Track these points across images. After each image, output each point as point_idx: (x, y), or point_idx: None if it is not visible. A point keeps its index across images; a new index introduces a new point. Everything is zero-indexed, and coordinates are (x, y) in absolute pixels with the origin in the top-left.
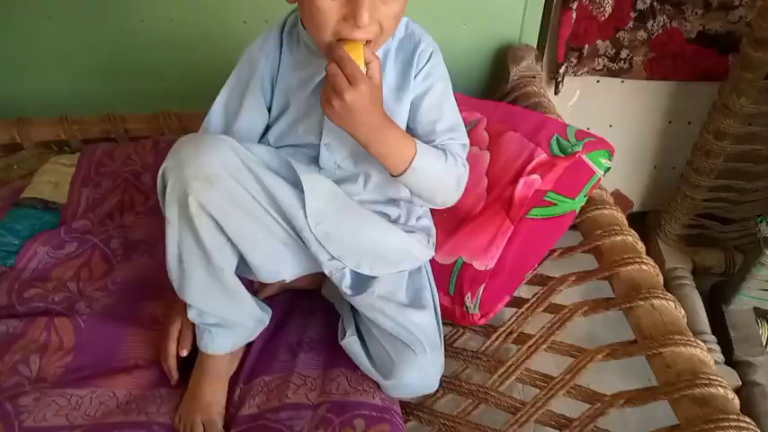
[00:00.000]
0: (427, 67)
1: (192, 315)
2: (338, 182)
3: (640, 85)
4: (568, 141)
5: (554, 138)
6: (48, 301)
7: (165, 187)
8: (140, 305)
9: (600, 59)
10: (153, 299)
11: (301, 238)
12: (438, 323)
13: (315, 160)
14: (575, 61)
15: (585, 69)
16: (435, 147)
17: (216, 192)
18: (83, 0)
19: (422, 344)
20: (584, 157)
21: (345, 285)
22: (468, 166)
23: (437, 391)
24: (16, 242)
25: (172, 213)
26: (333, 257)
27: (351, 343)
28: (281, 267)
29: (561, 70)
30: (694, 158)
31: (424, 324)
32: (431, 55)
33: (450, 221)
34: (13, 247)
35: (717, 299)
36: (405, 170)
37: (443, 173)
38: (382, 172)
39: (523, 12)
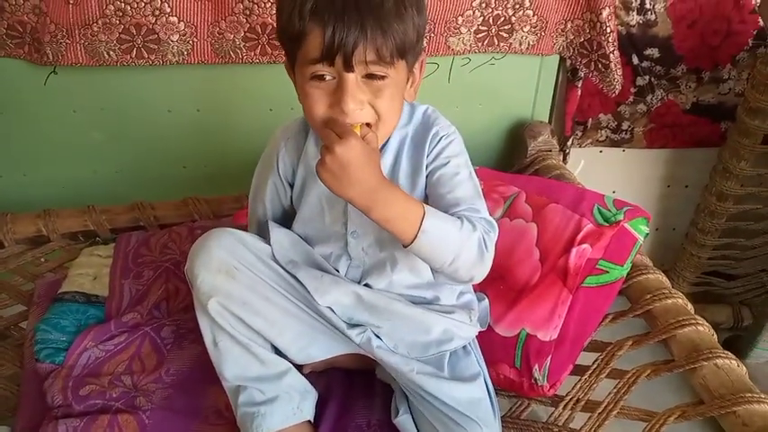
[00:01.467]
0: (439, 147)
1: (240, 402)
2: (368, 270)
3: (640, 153)
4: (609, 211)
5: (595, 207)
6: (106, 398)
7: (192, 284)
8: (199, 397)
9: (603, 131)
10: (210, 389)
11: (328, 321)
12: (491, 398)
13: (345, 251)
14: (580, 134)
15: (590, 141)
16: None
17: (237, 284)
18: (109, 92)
19: (474, 422)
20: (626, 225)
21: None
22: (494, 236)
23: None
24: (63, 338)
25: (199, 309)
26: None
27: (404, 422)
28: (313, 349)
29: (569, 143)
30: (698, 219)
31: (474, 400)
32: (443, 137)
33: (507, 293)
34: (61, 343)
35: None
36: (416, 235)
37: (460, 238)
38: (404, 256)
39: (535, 91)
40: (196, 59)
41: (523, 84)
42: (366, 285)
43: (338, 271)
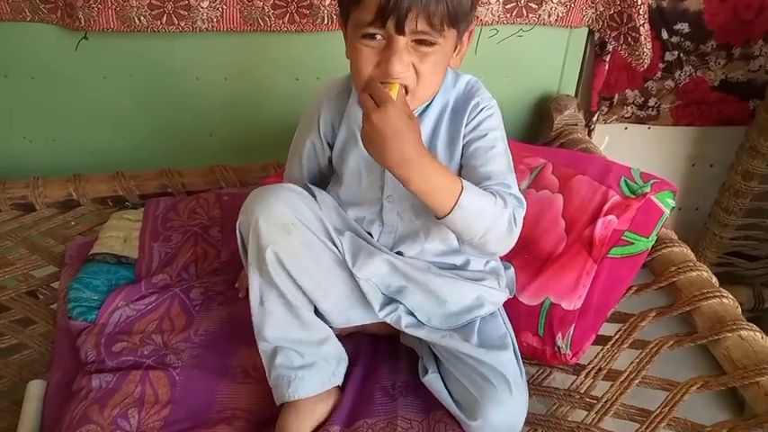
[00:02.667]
0: (478, 118)
1: (276, 364)
2: (401, 237)
3: (666, 131)
4: (636, 183)
5: (622, 180)
6: (137, 355)
7: (242, 240)
8: (227, 357)
9: (629, 107)
10: (238, 350)
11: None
12: (519, 363)
13: (379, 216)
14: (605, 109)
15: (615, 117)
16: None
17: (293, 240)
18: (139, 58)
19: (507, 381)
20: (652, 197)
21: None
22: (522, 212)
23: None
24: (95, 297)
25: (251, 264)
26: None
27: (433, 381)
28: (352, 314)
29: (594, 118)
30: (723, 198)
31: (506, 362)
32: (483, 108)
33: (532, 263)
34: (93, 302)
35: None
36: (452, 209)
37: (494, 214)
38: (439, 224)
39: (563, 65)
40: (225, 27)
41: (551, 56)
42: (398, 253)
43: (371, 235)
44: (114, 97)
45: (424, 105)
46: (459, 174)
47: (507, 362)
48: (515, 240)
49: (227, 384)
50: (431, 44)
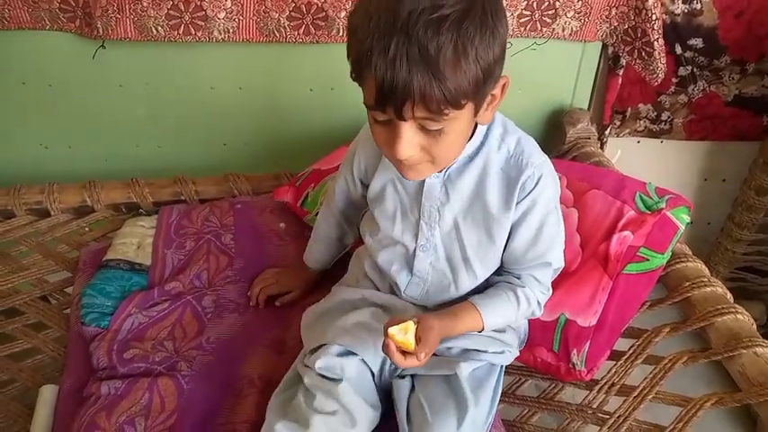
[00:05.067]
0: (531, 195)
1: None
2: (429, 289)
3: (679, 145)
4: (651, 198)
5: (637, 195)
6: (148, 362)
7: None
8: (236, 365)
9: (641, 121)
10: (247, 358)
11: None
12: (488, 415)
13: (409, 265)
14: (618, 123)
15: (628, 131)
16: (520, 271)
17: None
18: (155, 67)
19: (463, 420)
20: (668, 213)
21: None
22: (548, 294)
23: None
24: (108, 303)
25: None
26: None
27: (401, 386)
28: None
29: (607, 132)
30: (735, 213)
31: (475, 408)
32: (537, 181)
33: None
34: (106, 308)
35: None
36: (480, 331)
37: (516, 316)
38: (472, 278)
39: (576, 78)
40: (241, 37)
41: (564, 70)
42: (423, 307)
43: (397, 285)
44: (130, 105)
45: (459, 163)
46: (510, 233)
47: (476, 404)
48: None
49: (232, 396)
50: (438, 126)
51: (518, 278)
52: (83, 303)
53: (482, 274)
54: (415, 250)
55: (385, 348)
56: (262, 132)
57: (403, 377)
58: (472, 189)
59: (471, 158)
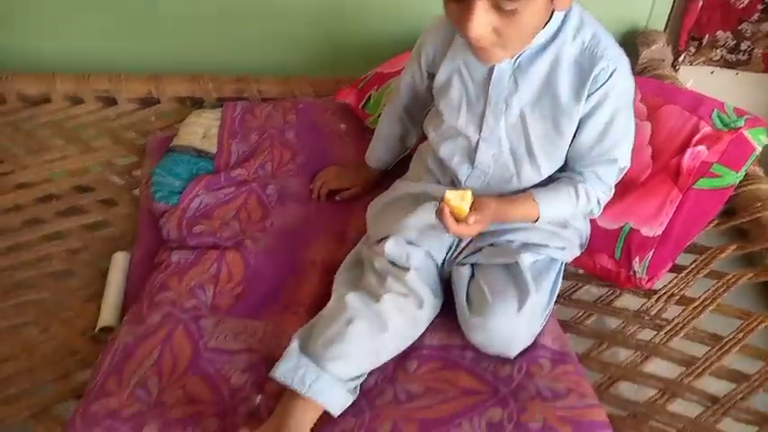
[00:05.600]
0: (604, 88)
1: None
2: (491, 179)
3: (755, 77)
4: (729, 117)
5: (714, 112)
6: (216, 237)
7: None
8: (299, 250)
9: (718, 50)
10: (310, 245)
11: None
12: (548, 305)
13: (470, 158)
14: (693, 50)
15: (702, 59)
16: (584, 167)
17: None
18: None
19: (524, 302)
20: (745, 132)
21: None
22: (610, 194)
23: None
24: (177, 183)
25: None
26: None
27: (462, 273)
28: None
29: (680, 58)
30: None
31: (536, 293)
32: (611, 74)
33: (615, 187)
34: (174, 187)
35: None
36: (535, 221)
37: (573, 212)
38: (536, 172)
39: None
40: None
41: None
42: None
43: (457, 178)
44: (198, 1)
45: (531, 51)
46: (578, 126)
47: (537, 290)
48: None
49: (295, 275)
50: (512, 5)
51: (580, 174)
52: (153, 182)
53: (546, 168)
54: (477, 142)
55: (438, 213)
56: (328, 36)
57: (463, 265)
58: (542, 79)
59: (544, 48)
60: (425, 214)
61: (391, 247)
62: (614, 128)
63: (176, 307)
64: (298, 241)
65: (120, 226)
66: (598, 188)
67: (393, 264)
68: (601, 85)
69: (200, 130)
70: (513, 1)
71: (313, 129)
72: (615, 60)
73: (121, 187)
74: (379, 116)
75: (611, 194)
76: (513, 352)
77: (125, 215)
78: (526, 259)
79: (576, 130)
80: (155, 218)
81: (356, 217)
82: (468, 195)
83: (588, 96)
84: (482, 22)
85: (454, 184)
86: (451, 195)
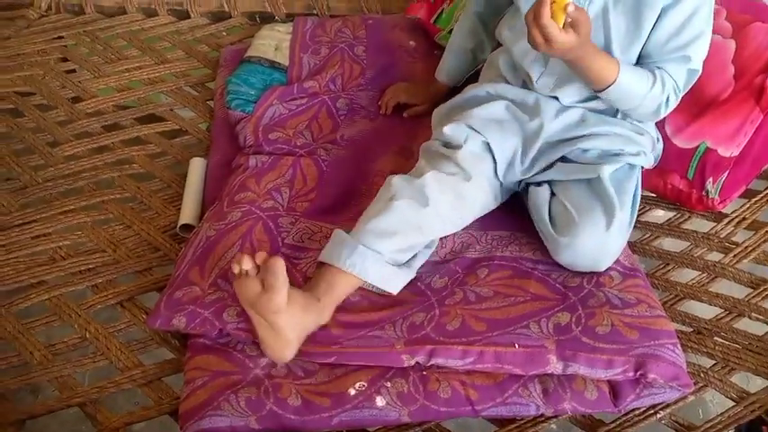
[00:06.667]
0: None
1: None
2: (560, 81)
3: None
4: None
5: None
6: (291, 145)
7: None
8: (369, 162)
9: None
10: (378, 158)
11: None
12: (630, 220)
13: (543, 56)
14: None
15: None
16: (654, 64)
17: None
18: None
19: (612, 216)
20: None
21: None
22: (679, 96)
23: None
24: (252, 92)
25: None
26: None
27: (540, 192)
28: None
29: None
30: None
31: (620, 206)
32: None
33: (692, 106)
34: (249, 96)
35: None
36: (606, 88)
37: (645, 97)
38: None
39: None
40: None
41: None
42: (554, 98)
43: (530, 77)
44: None
45: None
46: (658, 17)
47: (622, 207)
48: (662, 117)
49: (365, 184)
50: None
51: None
52: (228, 90)
53: None
54: (542, 64)
55: (535, 6)
56: None
57: (540, 184)
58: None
59: None
60: (493, 108)
61: (449, 129)
62: (693, 23)
63: (255, 206)
64: (367, 154)
65: (196, 134)
66: (670, 83)
67: (447, 145)
68: None
69: (273, 43)
70: None
71: (382, 45)
72: None
73: (197, 97)
74: (450, 31)
75: (679, 99)
76: (602, 268)
77: (201, 124)
78: (606, 171)
79: (656, 22)
80: (230, 125)
81: (423, 132)
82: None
83: None
84: None
85: (526, 85)
86: None
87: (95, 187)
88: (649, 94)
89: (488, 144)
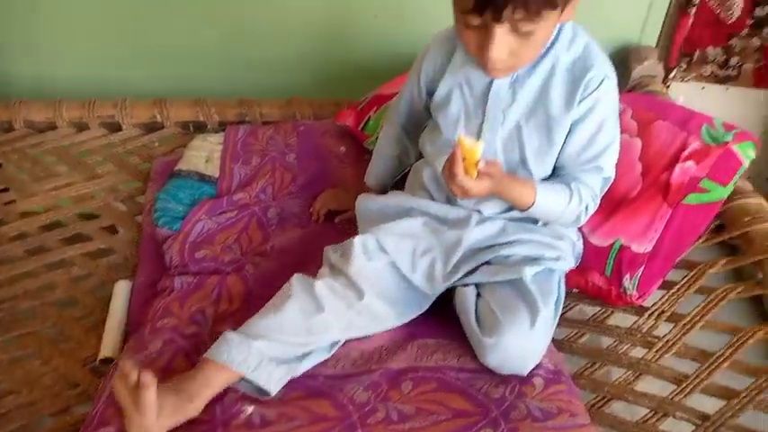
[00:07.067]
0: (594, 95)
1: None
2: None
3: (744, 92)
4: (717, 131)
5: (703, 127)
6: (218, 262)
7: None
8: (298, 271)
9: (708, 66)
10: (308, 267)
11: None
12: (553, 320)
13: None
14: (684, 66)
15: (693, 75)
16: (570, 175)
17: None
18: None
19: (536, 315)
20: (733, 147)
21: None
22: (597, 202)
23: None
24: (180, 208)
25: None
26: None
27: (467, 294)
28: None
29: (672, 74)
30: None
31: (544, 306)
32: (600, 83)
33: (606, 204)
34: (177, 213)
35: None
36: (526, 209)
37: (564, 212)
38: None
39: (646, 15)
40: None
41: (634, 6)
42: (478, 212)
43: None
44: (199, 28)
45: (530, 66)
46: (568, 132)
47: (545, 305)
48: (581, 224)
49: None
50: (531, 27)
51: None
52: (156, 207)
53: (537, 176)
54: None
55: (449, 159)
56: (326, 59)
57: (466, 285)
58: (538, 90)
59: (540, 59)
60: (409, 223)
61: (358, 241)
62: (602, 135)
63: (177, 332)
64: (298, 263)
65: (123, 252)
66: (587, 193)
67: (344, 255)
68: (591, 92)
69: (204, 154)
70: (532, 23)
71: (313, 151)
72: (605, 69)
73: (125, 213)
74: (377, 138)
75: (597, 204)
76: (527, 370)
77: (129, 241)
78: (528, 273)
79: (567, 137)
80: (158, 243)
81: None
82: (480, 146)
83: (579, 102)
84: (502, 46)
85: (450, 200)
86: (465, 139)
87: (13, 319)
88: (568, 209)
89: (395, 263)
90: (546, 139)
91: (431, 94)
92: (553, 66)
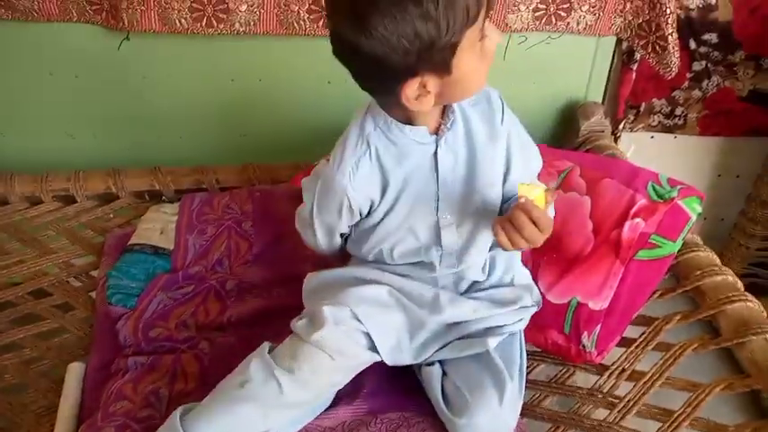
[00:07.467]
0: (507, 113)
1: None
2: (462, 251)
3: (692, 140)
4: (663, 188)
5: (649, 184)
6: (173, 341)
7: None
8: (256, 344)
9: (655, 116)
10: (268, 338)
11: None
12: (521, 387)
13: (436, 240)
14: (632, 118)
15: (641, 125)
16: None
17: None
18: (177, 59)
19: (503, 391)
20: (679, 202)
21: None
22: None
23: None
24: (134, 285)
25: None
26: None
27: (432, 373)
28: None
29: (620, 126)
30: (749, 209)
31: (509, 378)
32: (502, 103)
33: (560, 262)
34: (131, 290)
35: None
36: None
37: None
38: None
39: (590, 72)
40: (262, 30)
41: (578, 64)
42: (459, 276)
43: (432, 264)
44: (153, 97)
45: (448, 127)
46: (508, 166)
47: (511, 378)
48: None
49: None
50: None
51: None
52: (109, 284)
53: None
54: (438, 224)
55: (517, 207)
56: (281, 124)
57: (431, 364)
58: (464, 140)
59: (452, 114)
60: (378, 291)
61: (328, 311)
62: (527, 138)
63: (131, 417)
64: (254, 336)
65: (77, 331)
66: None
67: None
68: (504, 112)
69: (158, 226)
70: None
71: (269, 217)
72: (495, 91)
73: (79, 289)
74: None
75: None
76: None
77: (82, 319)
78: (493, 343)
79: (510, 157)
80: (112, 322)
81: None
82: (540, 185)
83: (502, 121)
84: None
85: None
86: (531, 188)
87: None
88: None
89: (368, 334)
90: (493, 174)
91: (370, 212)
92: (464, 116)
